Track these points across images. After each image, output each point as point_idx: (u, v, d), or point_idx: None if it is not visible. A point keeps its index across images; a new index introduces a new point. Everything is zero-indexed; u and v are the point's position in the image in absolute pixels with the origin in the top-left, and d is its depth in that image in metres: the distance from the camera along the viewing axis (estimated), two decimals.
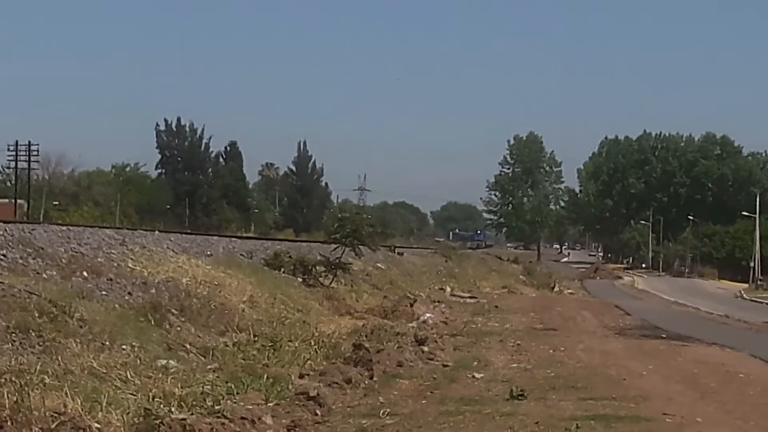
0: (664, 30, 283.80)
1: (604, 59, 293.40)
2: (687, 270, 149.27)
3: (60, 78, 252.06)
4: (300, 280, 38.95)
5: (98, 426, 11.76)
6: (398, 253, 71.53)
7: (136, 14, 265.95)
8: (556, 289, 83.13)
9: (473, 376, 22.14)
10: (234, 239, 49.82)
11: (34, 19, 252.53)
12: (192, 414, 13.31)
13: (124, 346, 18.74)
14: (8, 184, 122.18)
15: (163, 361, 18.12)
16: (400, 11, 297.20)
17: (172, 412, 12.83)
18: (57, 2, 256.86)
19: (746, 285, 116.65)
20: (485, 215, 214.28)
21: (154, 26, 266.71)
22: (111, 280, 25.74)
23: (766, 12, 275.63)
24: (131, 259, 29.95)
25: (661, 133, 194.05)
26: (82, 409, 12.22)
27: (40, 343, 17.03)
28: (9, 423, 10.33)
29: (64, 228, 34.52)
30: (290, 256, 41.64)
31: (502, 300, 57.23)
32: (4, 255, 24.23)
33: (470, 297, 57.14)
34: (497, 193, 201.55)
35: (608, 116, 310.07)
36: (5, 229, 27.70)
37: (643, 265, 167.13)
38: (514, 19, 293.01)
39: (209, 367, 18.96)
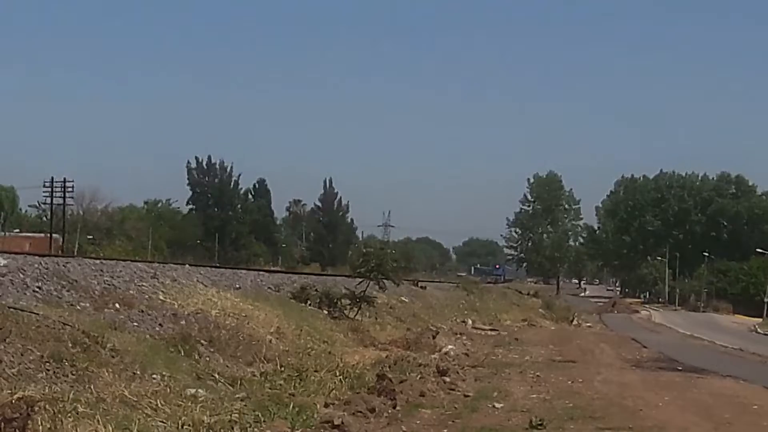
0: (680, 74, 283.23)
1: (623, 102, 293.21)
2: (702, 305, 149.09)
3: (94, 116, 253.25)
4: (326, 312, 38.90)
5: None
6: (421, 287, 71.43)
7: (168, 56, 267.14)
8: (575, 322, 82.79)
9: (494, 406, 22.07)
10: (262, 273, 49.81)
11: (72, 63, 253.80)
12: None
13: (154, 376, 18.75)
14: (44, 219, 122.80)
15: (193, 390, 18.11)
16: (419, 57, 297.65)
17: None
18: (91, 46, 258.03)
19: (760, 319, 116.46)
20: (506, 250, 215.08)
21: (186, 67, 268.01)
22: (142, 311, 25.77)
23: None
24: (162, 291, 29.99)
25: (675, 172, 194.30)
26: None
27: (74, 373, 17.05)
28: None
29: (98, 261, 34.60)
30: (316, 290, 41.59)
31: (523, 333, 57.07)
32: (39, 287, 24.30)
33: (491, 329, 57.01)
34: (518, 230, 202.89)
35: (625, 156, 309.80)
36: (41, 263, 27.79)
37: (660, 300, 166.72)
38: (533, 60, 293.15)
39: (237, 396, 18.95)
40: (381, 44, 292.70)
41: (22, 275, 24.87)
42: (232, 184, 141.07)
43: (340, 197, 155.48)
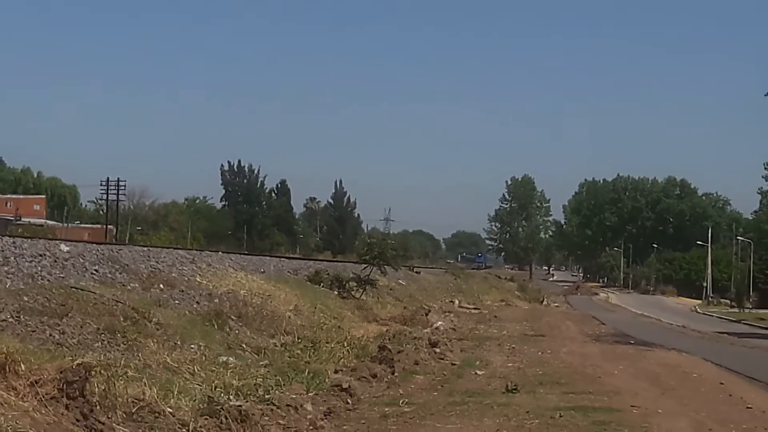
0: (636, 96, 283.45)
1: (588, 118, 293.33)
2: (652, 288, 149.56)
3: (144, 126, 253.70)
4: (336, 293, 38.90)
5: (171, 411, 11.73)
6: (416, 272, 71.29)
7: (206, 78, 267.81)
8: (545, 302, 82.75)
9: (476, 373, 22.07)
10: (283, 259, 49.80)
11: (130, 84, 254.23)
12: (247, 402, 13.28)
13: (192, 346, 18.75)
14: (101, 212, 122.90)
15: (224, 358, 18.11)
16: (419, 78, 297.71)
17: (230, 400, 12.80)
18: (146, 70, 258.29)
19: (700, 301, 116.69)
20: (487, 242, 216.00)
21: (222, 86, 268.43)
22: (182, 291, 25.79)
23: (718, 77, 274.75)
24: (199, 274, 30.00)
25: (629, 176, 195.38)
26: (157, 397, 12.21)
27: (124, 342, 17.06)
28: (98, 407, 10.33)
29: (145, 249, 34.64)
30: (328, 274, 41.58)
31: (501, 311, 57.09)
32: (96, 270, 24.30)
33: (474, 308, 56.98)
34: (497, 224, 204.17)
35: (588, 162, 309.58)
36: (97, 250, 27.81)
37: (616, 284, 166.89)
38: (513, 84, 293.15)
39: (261, 363, 18.94)
40: (384, 71, 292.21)
41: (82, 260, 24.88)
42: (258, 184, 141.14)
43: (349, 196, 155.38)
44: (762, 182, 59.50)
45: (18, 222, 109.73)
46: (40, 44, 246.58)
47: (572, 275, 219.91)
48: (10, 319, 15.98)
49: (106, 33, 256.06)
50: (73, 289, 19.98)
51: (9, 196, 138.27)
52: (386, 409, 15.81)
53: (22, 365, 10.00)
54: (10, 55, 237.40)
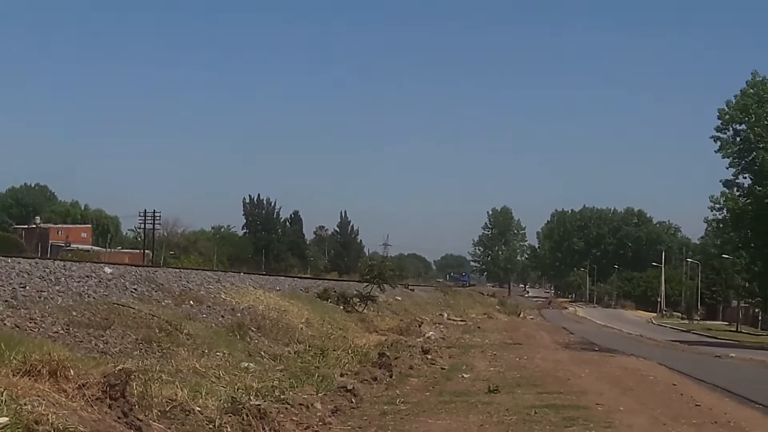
0: (599, 134, 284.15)
1: (559, 156, 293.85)
2: (613, 303, 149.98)
3: (177, 165, 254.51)
4: (341, 307, 38.87)
5: (199, 409, 11.71)
6: (411, 290, 71.29)
7: (229, 126, 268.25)
8: (521, 315, 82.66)
9: (463, 376, 22.02)
10: (296, 279, 49.86)
11: (160, 128, 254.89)
12: (265, 401, 13.25)
13: (218, 353, 18.72)
14: (139, 239, 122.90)
15: (245, 364, 18.07)
16: (417, 118, 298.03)
17: (251, 400, 12.77)
18: (177, 118, 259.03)
19: (655, 314, 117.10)
20: (472, 263, 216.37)
21: (244, 134, 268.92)
22: (209, 306, 25.77)
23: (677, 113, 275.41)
24: (224, 292, 29.99)
25: (594, 206, 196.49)
26: (188, 397, 12.19)
27: (159, 351, 17.04)
28: (137, 406, 10.33)
29: (177, 270, 34.69)
30: (335, 291, 41.59)
31: (483, 323, 57.06)
32: (135, 289, 24.32)
33: (461, 321, 56.98)
34: (480, 248, 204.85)
35: (559, 194, 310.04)
36: (136, 271, 27.85)
37: (583, 300, 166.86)
38: (496, 121, 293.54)
39: (277, 368, 18.90)
40: (385, 115, 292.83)
41: (122, 280, 24.91)
42: (275, 214, 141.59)
43: (352, 224, 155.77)
44: (708, 212, 59.54)
45: (67, 248, 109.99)
46: (90, 98, 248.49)
47: (545, 292, 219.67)
48: (61, 331, 15.98)
49: (149, 88, 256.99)
50: (115, 305, 19.97)
51: (60, 225, 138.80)
52: (385, 407, 15.78)
53: (71, 371, 10.00)
54: (65, 107, 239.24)
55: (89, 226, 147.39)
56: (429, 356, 26.30)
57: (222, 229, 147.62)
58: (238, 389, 14.50)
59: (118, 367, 10.43)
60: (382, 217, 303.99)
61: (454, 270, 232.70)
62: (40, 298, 18.63)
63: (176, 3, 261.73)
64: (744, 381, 23.54)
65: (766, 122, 55.34)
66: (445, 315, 59.98)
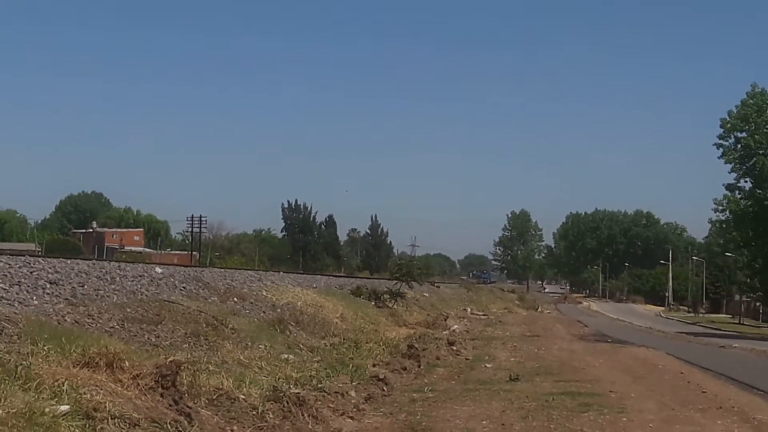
0: (612, 142, 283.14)
1: (574, 162, 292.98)
2: (624, 298, 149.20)
3: (222, 173, 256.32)
4: (373, 303, 38.81)
5: (243, 397, 11.73)
6: (437, 287, 71.27)
7: (270, 139, 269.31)
8: (539, 310, 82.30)
9: (485, 366, 21.94)
10: (331, 277, 49.95)
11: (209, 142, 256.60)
12: (304, 389, 13.24)
13: (260, 346, 18.73)
14: (187, 242, 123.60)
15: (285, 356, 18.07)
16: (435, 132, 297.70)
17: (291, 388, 12.77)
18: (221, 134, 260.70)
19: (663, 308, 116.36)
20: (493, 262, 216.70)
21: (285, 143, 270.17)
22: (252, 303, 25.80)
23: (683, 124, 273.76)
24: (265, 290, 30.03)
25: (606, 209, 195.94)
26: (233, 386, 12.22)
27: (206, 344, 17.07)
28: (186, 395, 10.35)
29: (222, 270, 34.81)
30: (367, 288, 41.54)
31: (504, 317, 56.78)
32: (184, 287, 24.41)
33: (483, 315, 56.72)
34: (500, 248, 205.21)
35: (573, 197, 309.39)
36: (185, 271, 27.97)
37: (596, 295, 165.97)
38: (515, 132, 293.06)
39: (315, 359, 18.88)
40: (413, 126, 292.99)
41: (172, 279, 25.01)
42: (311, 218, 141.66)
43: (383, 227, 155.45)
44: (711, 213, 59.35)
45: (122, 250, 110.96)
46: (148, 115, 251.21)
47: (561, 288, 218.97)
48: (117, 326, 16.04)
49: (200, 104, 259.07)
50: (166, 302, 20.04)
51: (114, 229, 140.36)
52: (414, 394, 15.76)
53: (126, 362, 10.05)
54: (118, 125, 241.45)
55: (141, 230, 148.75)
56: (454, 348, 26.22)
57: (263, 232, 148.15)
58: (279, 379, 14.51)
59: (169, 359, 10.47)
60: (410, 219, 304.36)
61: (476, 268, 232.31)
62: (97, 296, 18.72)
63: (225, 28, 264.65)
64: (746, 369, 23.37)
65: (765, 130, 55.11)
66: (469, 310, 59.78)
